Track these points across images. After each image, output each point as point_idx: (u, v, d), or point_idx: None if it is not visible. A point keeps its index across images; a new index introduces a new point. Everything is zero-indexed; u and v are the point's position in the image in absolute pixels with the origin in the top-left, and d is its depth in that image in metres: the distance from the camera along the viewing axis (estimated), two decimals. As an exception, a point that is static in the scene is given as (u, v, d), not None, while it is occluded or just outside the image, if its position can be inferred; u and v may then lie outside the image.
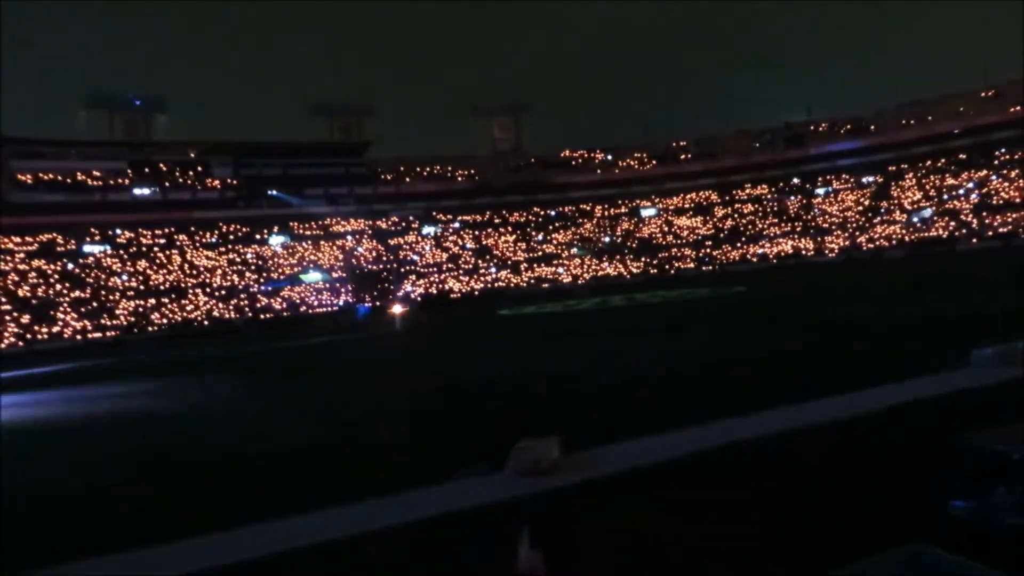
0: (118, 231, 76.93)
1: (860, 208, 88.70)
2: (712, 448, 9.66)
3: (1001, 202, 77.13)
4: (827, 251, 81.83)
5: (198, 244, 79.76)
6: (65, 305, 64.05)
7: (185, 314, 67.37)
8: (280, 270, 78.65)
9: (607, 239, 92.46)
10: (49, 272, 68.00)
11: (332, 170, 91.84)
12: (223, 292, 72.19)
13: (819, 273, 59.30)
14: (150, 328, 63.67)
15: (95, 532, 8.97)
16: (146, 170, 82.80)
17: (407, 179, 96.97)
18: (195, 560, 7.49)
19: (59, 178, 77.00)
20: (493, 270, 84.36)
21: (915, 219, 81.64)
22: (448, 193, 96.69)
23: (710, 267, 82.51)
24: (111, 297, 67.46)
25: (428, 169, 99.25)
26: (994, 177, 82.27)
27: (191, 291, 71.20)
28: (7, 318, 59.76)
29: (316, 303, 73.86)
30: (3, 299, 62.12)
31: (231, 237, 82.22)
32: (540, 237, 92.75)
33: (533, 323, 39.78)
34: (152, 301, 68.05)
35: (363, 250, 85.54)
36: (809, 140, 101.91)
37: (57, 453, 15.06)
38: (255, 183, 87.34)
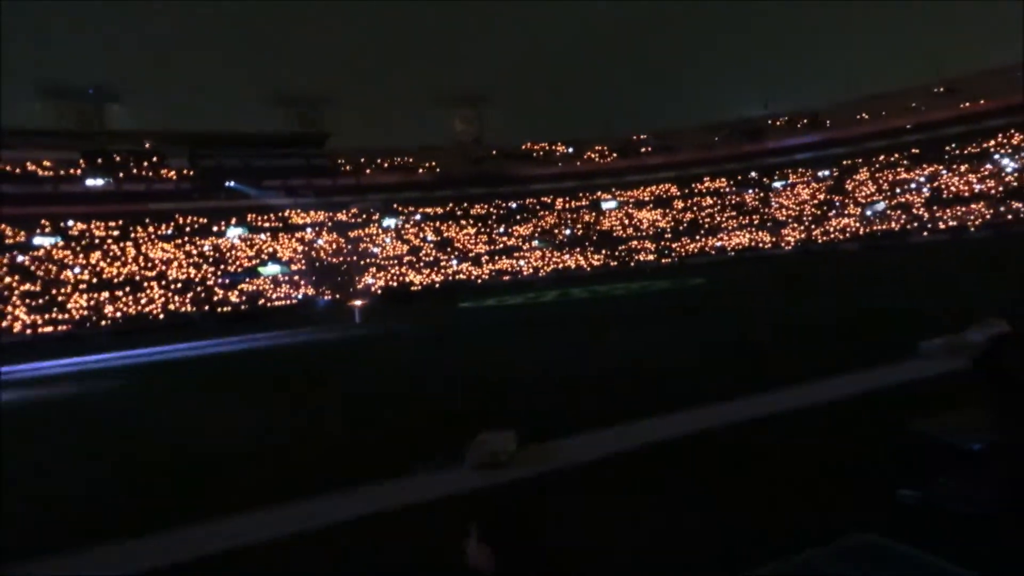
0: (70, 223, 75.22)
1: (816, 202, 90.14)
2: (664, 440, 9.76)
3: (951, 196, 78.96)
4: (783, 244, 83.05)
5: (153, 236, 78.32)
6: (15, 299, 62.46)
7: (140, 308, 66.13)
8: (238, 263, 77.55)
9: (568, 232, 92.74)
10: (-2, 265, 66.30)
11: (291, 161, 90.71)
12: (179, 285, 71.00)
13: (775, 265, 60.19)
14: (103, 322, 62.37)
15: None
16: (99, 161, 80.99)
17: (367, 171, 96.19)
18: (147, 558, 7.38)
19: (8, 168, 74.95)
20: (454, 262, 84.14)
21: (869, 212, 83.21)
22: (409, 185, 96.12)
23: (669, 259, 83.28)
24: (63, 291, 65.94)
25: (389, 161, 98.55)
26: (944, 172, 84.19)
27: (146, 284, 69.92)
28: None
29: (275, 296, 72.97)
30: (-51, 292, 60.48)
31: (187, 229, 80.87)
32: (501, 229, 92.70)
33: (494, 316, 39.79)
34: (106, 294, 66.68)
35: (322, 242, 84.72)
36: (767, 134, 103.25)
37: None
38: (212, 174, 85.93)
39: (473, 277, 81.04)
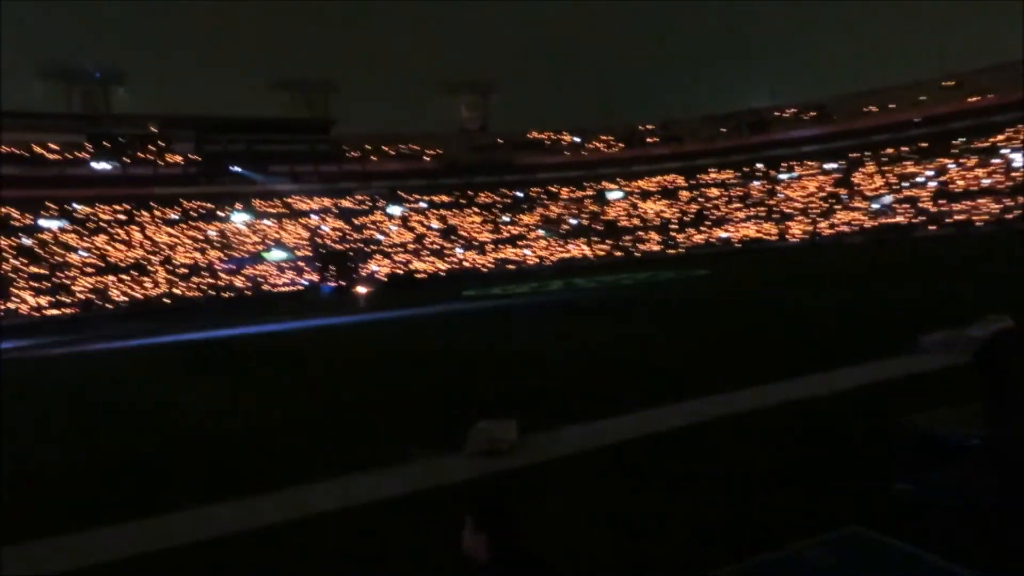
0: (76, 206, 75.36)
1: (823, 194, 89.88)
2: (662, 431, 9.82)
3: (959, 190, 78.66)
4: (789, 236, 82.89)
5: (159, 220, 78.45)
6: (21, 281, 62.69)
7: (146, 291, 66.33)
8: (243, 248, 77.66)
9: (573, 221, 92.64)
10: (4, 247, 66.43)
11: (296, 147, 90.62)
12: (185, 270, 71.16)
13: (781, 257, 60.10)
14: (108, 305, 62.58)
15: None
16: (105, 144, 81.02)
17: (373, 157, 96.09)
18: (147, 541, 7.46)
19: (15, 151, 75.04)
20: (459, 251, 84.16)
21: (875, 206, 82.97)
22: (414, 172, 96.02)
23: (673, 249, 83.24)
24: (69, 273, 66.15)
25: (394, 148, 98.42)
26: (952, 166, 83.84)
27: (152, 268, 70.10)
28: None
29: (279, 282, 73.11)
30: (-44, 274, 60.72)
31: (193, 214, 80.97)
32: (506, 218, 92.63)
33: (497, 304, 39.83)
34: (112, 278, 66.87)
35: (327, 229, 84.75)
36: (773, 126, 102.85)
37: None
38: (218, 159, 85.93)
39: (478, 265, 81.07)
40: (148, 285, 67.37)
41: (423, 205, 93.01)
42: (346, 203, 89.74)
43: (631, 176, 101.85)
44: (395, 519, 7.54)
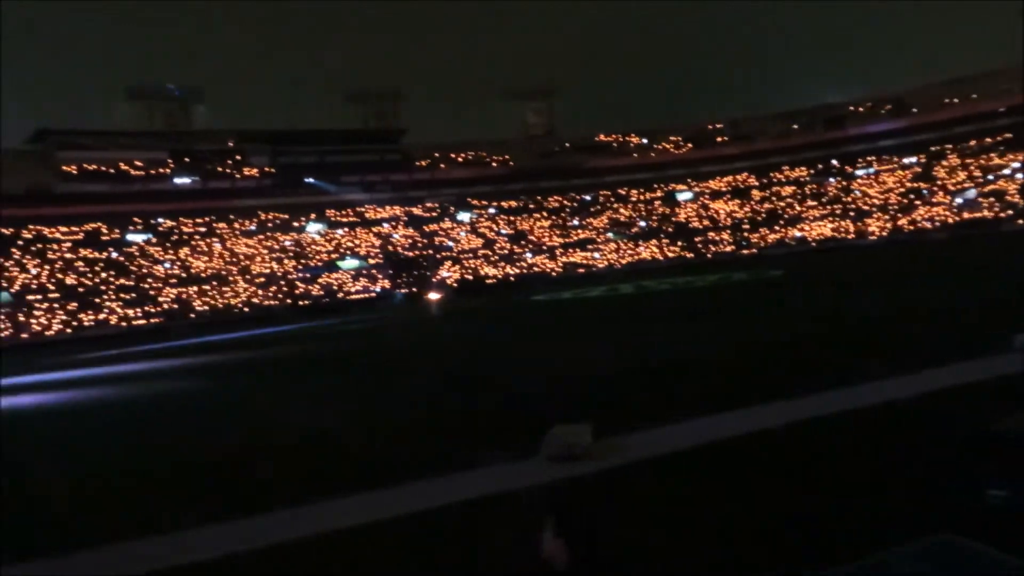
0: (160, 220, 78.24)
1: (902, 189, 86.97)
2: (741, 435, 9.63)
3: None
4: (868, 234, 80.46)
5: (237, 232, 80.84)
6: (110, 292, 65.40)
7: (226, 300, 68.43)
8: (318, 257, 79.40)
9: (642, 223, 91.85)
10: (95, 260, 69.43)
11: (367, 157, 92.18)
12: (263, 279, 73.13)
13: (860, 256, 58.34)
14: (191, 315, 64.75)
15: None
16: (186, 159, 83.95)
17: (441, 165, 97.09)
18: (223, 544, 7.69)
19: (103, 168, 78.41)
20: (528, 255, 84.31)
21: (959, 200, 79.85)
22: (483, 179, 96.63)
23: (747, 250, 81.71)
24: (154, 284, 68.72)
25: (463, 155, 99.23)
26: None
27: (231, 278, 72.26)
28: (55, 306, 61.24)
29: (353, 289, 74.50)
30: (51, 287, 63.61)
31: (269, 225, 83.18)
32: (575, 222, 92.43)
33: (568, 308, 39.75)
34: (194, 289, 69.20)
35: (398, 237, 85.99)
36: (848, 121, 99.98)
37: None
38: (292, 171, 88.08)
39: (547, 270, 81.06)
40: (228, 294, 69.47)
41: (492, 211, 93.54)
42: (416, 211, 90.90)
43: (701, 176, 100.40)
44: (473, 521, 7.59)
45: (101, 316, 61.84)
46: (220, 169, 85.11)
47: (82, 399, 22.42)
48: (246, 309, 67.42)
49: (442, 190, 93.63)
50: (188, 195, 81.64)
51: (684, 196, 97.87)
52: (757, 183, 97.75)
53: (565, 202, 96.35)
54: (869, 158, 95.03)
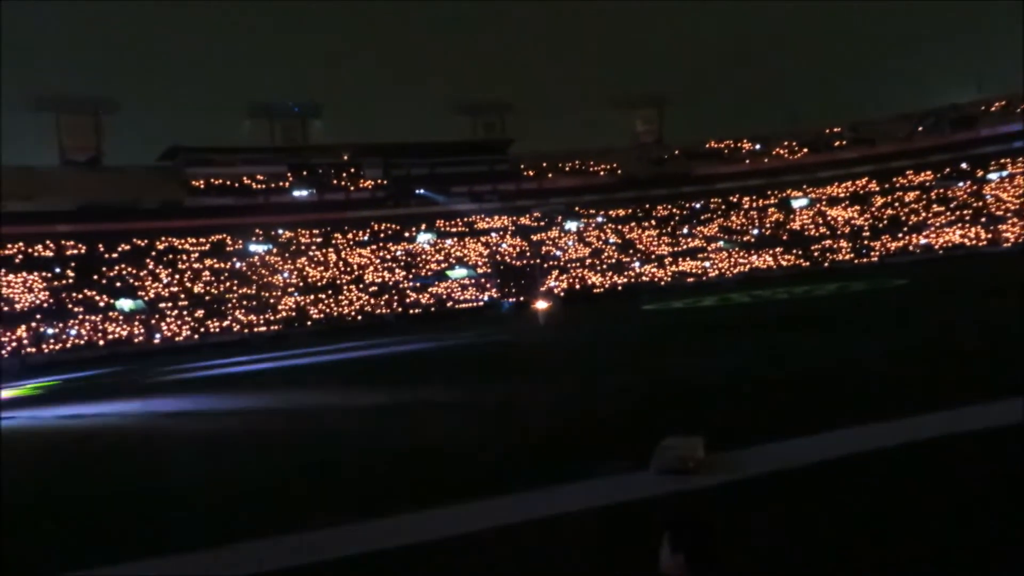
0: (279, 231, 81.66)
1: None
2: (862, 452, 9.18)
3: None
4: (1003, 240, 75.70)
5: (352, 243, 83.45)
6: (234, 301, 68.68)
7: (341, 309, 70.72)
8: (428, 266, 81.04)
9: (755, 231, 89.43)
10: (220, 270, 73.16)
11: (476, 168, 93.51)
12: (375, 288, 75.20)
13: (992, 264, 54.92)
14: (308, 323, 67.23)
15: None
16: (304, 173, 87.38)
17: (549, 175, 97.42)
18: (331, 548, 7.89)
19: (227, 183, 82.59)
20: (636, 264, 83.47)
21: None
22: (590, 188, 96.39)
23: (867, 259, 78.35)
24: (274, 293, 71.75)
25: (570, 164, 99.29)
26: None
27: (346, 287, 74.62)
28: (184, 313, 64.84)
29: (462, 298, 75.63)
30: (181, 295, 67.41)
31: (382, 235, 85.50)
32: (685, 230, 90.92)
33: (678, 318, 39.11)
34: (311, 297, 71.83)
35: (506, 246, 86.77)
36: (979, 121, 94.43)
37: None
38: (404, 183, 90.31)
39: (656, 279, 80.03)
40: (343, 303, 71.77)
41: (600, 220, 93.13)
42: (524, 220, 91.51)
43: (817, 182, 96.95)
44: (586, 533, 7.53)
45: (225, 323, 64.98)
46: (335, 182, 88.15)
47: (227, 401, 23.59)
48: (359, 317, 69.46)
49: (550, 199, 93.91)
50: (305, 207, 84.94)
51: (799, 203, 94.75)
52: (878, 188, 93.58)
53: (674, 210, 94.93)
54: (1002, 160, 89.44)
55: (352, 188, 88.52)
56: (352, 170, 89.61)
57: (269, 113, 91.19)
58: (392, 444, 13.47)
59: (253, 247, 78.35)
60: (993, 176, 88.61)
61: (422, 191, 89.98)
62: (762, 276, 76.20)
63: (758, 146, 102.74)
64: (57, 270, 66.05)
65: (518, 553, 7.26)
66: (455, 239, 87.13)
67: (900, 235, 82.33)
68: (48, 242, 68.60)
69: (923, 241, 79.91)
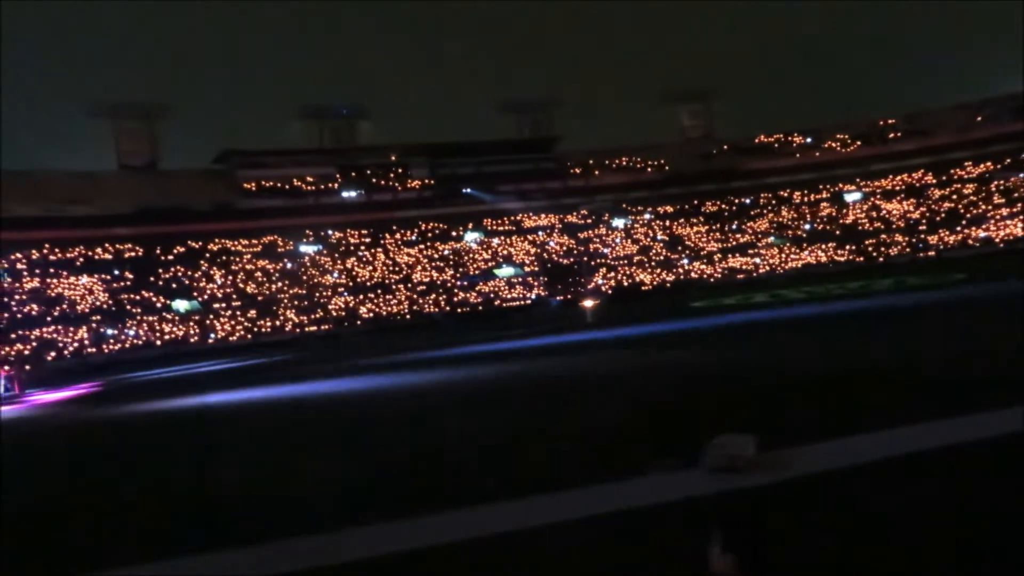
0: (329, 231, 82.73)
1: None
2: (920, 451, 8.93)
3: None
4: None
5: (400, 242, 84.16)
6: (285, 301, 69.78)
7: (390, 308, 71.38)
8: (475, 265, 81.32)
9: (807, 226, 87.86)
10: (272, 271, 74.41)
11: (522, 166, 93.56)
12: (423, 287, 75.72)
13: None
14: (358, 322, 68.01)
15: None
16: (352, 174, 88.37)
17: (596, 172, 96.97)
18: (388, 543, 7.94)
19: (278, 184, 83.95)
20: (685, 261, 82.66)
21: None
22: (638, 184, 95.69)
23: (923, 253, 76.43)
24: (324, 293, 72.73)
25: (617, 161, 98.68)
26: None
27: (394, 287, 75.28)
28: (237, 313, 66.11)
29: (509, 297, 75.73)
30: (234, 296, 68.73)
31: (429, 235, 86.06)
32: (734, 226, 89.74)
33: (727, 315, 38.60)
34: (360, 297, 72.64)
35: (554, 244, 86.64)
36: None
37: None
38: (450, 182, 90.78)
39: (705, 275, 79.18)
40: (392, 302, 72.43)
41: (648, 216, 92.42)
42: (571, 218, 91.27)
43: (871, 175, 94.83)
44: (637, 531, 7.46)
45: (277, 323, 66.04)
46: (383, 182, 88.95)
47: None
48: (408, 316, 70.02)
49: (596, 197, 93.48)
50: (354, 208, 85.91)
51: (853, 197, 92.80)
52: (935, 181, 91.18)
53: (723, 206, 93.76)
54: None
55: (400, 188, 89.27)
56: (399, 170, 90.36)
57: (318, 115, 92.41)
58: (432, 440, 13.53)
59: (303, 248, 79.48)
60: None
61: (469, 190, 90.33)
62: (815, 272, 74.88)
63: (809, 139, 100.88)
64: (116, 272, 67.85)
65: (569, 551, 7.23)
66: (502, 238, 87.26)
67: (958, 228, 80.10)
68: (107, 245, 70.50)
69: (983, 234, 77.66)
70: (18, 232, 64.02)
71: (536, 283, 78.36)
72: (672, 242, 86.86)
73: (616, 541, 7.30)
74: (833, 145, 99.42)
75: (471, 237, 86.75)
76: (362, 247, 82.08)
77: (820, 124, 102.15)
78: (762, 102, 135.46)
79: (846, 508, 7.45)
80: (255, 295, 69.66)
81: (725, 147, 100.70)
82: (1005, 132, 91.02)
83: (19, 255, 64.64)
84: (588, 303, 53.73)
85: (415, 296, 73.81)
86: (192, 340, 61.33)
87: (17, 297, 60.60)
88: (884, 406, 11.65)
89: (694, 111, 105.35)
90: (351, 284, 74.93)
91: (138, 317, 62.37)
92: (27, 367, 45.81)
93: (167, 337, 60.91)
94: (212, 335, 62.66)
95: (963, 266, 55.42)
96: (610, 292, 74.20)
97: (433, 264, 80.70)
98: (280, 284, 72.35)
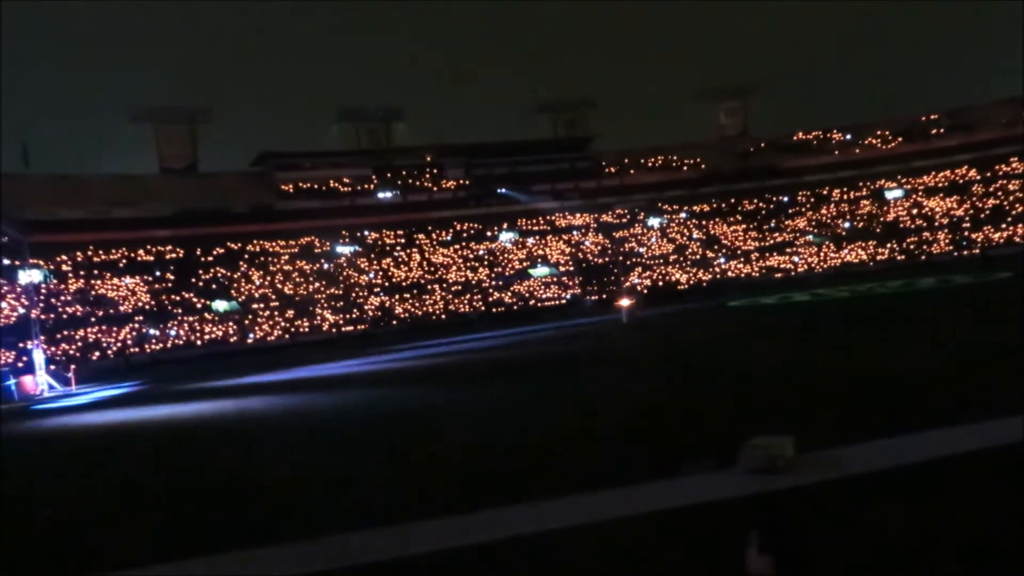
0: (365, 232, 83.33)
1: None
2: (960, 453, 8.74)
3: None
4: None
5: (435, 243, 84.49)
6: (322, 301, 70.44)
7: (425, 308, 71.72)
8: (510, 265, 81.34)
9: (847, 224, 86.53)
10: (309, 272, 75.15)
11: (557, 166, 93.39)
12: (459, 287, 75.94)
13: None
14: (394, 322, 68.43)
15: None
16: (388, 175, 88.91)
17: (631, 171, 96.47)
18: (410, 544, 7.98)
19: (315, 186, 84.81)
20: (722, 260, 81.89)
21: None
22: (674, 183, 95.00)
23: (967, 251, 74.87)
24: (360, 293, 73.27)
25: (652, 160, 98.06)
26: None
27: (429, 287, 75.62)
28: (275, 314, 66.88)
29: (544, 296, 75.65)
30: (272, 297, 69.54)
31: (464, 235, 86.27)
32: (772, 224, 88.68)
33: (765, 314, 38.19)
34: (396, 297, 73.07)
35: (589, 243, 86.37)
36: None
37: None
38: (485, 182, 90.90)
39: (743, 275, 78.36)
40: (427, 302, 72.76)
41: (684, 215, 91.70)
42: (606, 217, 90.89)
43: (913, 172, 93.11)
44: (671, 531, 7.41)
45: (314, 323, 66.70)
46: (418, 183, 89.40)
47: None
48: (443, 316, 70.27)
49: (632, 196, 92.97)
50: (390, 209, 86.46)
51: (893, 194, 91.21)
52: (979, 177, 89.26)
53: (761, 204, 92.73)
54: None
55: (435, 189, 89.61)
56: (434, 171, 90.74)
57: (354, 117, 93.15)
58: (464, 440, 13.57)
59: (340, 248, 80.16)
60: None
61: (504, 190, 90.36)
62: (855, 271, 73.76)
63: (848, 136, 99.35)
64: (157, 273, 69.07)
65: (606, 551, 7.20)
66: (537, 237, 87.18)
67: (1003, 226, 78.34)
68: (149, 247, 71.79)
69: (1029, 231, 75.82)
70: (63, 235, 65.65)
71: (571, 283, 78.17)
72: (708, 241, 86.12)
73: (652, 541, 7.26)
74: (874, 141, 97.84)
75: (506, 237, 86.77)
76: (398, 247, 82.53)
77: (860, 120, 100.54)
78: (801, 99, 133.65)
79: (886, 510, 7.32)
80: (292, 295, 70.40)
81: (763, 144, 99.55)
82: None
83: (64, 257, 66.10)
84: (623, 302, 53.44)
85: (450, 296, 74.03)
86: (231, 340, 62.20)
87: (63, 298, 61.97)
88: (923, 407, 11.44)
89: (731, 108, 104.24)
90: (387, 284, 75.41)
91: (179, 317, 63.40)
92: (73, 367, 46.76)
93: (207, 337, 61.83)
94: (251, 335, 63.45)
95: (1008, 264, 54.15)
96: (645, 291, 73.76)
97: (468, 264, 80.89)
98: (317, 284, 73.05)
